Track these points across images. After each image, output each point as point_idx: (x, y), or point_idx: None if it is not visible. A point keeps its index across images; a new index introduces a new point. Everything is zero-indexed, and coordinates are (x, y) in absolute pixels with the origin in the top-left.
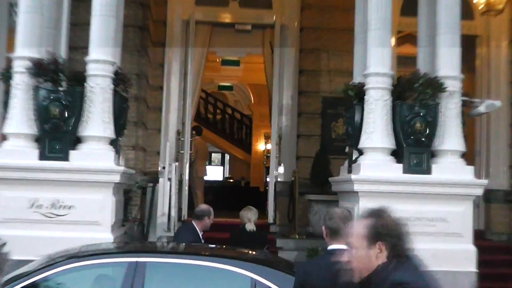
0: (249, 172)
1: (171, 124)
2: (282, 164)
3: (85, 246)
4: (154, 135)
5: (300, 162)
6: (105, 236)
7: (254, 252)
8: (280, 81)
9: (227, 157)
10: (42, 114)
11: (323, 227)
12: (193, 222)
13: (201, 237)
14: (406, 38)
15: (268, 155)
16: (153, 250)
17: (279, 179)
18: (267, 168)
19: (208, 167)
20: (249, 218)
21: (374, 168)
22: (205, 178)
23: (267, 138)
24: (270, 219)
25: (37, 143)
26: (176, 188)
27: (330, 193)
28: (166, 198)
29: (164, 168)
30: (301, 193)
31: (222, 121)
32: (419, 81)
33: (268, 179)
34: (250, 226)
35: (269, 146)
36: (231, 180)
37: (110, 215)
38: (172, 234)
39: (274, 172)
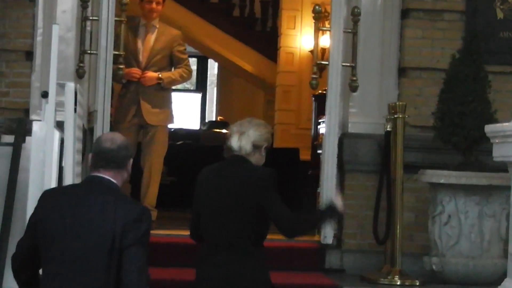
0: (271, 111)
1: None
2: (359, 90)
3: None
4: (17, 6)
5: (408, 83)
6: None
7: None
8: None
9: (213, 67)
10: None
11: None
12: (106, 175)
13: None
14: None
15: (324, 62)
16: None
17: (350, 129)
18: (320, 99)
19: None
20: (241, 130)
21: None
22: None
23: (322, 18)
24: (327, 234)
25: None
26: (81, 149)
27: (486, 167)
28: (54, 172)
29: (46, 96)
30: (411, 166)
31: None
32: None
33: (321, 130)
34: (235, 143)
35: (325, 40)
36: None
37: None
38: None
39: (338, 111)
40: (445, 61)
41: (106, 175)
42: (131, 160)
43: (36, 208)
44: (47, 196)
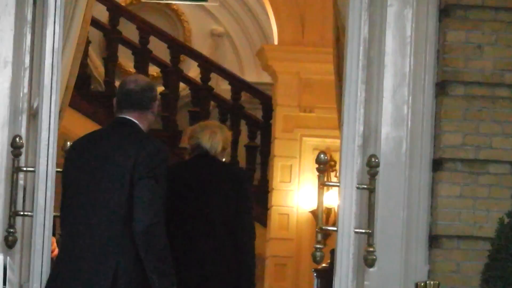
0: None
1: None
2: (378, 265)
3: None
4: None
5: (442, 256)
6: None
7: None
8: None
9: None
10: None
11: None
12: (130, 117)
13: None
14: None
15: (330, 228)
16: None
17: None
18: (325, 276)
19: None
20: (211, 130)
21: None
22: None
23: (328, 169)
24: None
25: None
26: None
27: None
28: None
29: None
30: None
31: (170, 104)
32: None
33: None
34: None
35: (332, 198)
36: None
37: None
38: None
39: None
40: (491, 227)
41: (130, 117)
42: (157, 102)
43: (64, 161)
44: (73, 147)
